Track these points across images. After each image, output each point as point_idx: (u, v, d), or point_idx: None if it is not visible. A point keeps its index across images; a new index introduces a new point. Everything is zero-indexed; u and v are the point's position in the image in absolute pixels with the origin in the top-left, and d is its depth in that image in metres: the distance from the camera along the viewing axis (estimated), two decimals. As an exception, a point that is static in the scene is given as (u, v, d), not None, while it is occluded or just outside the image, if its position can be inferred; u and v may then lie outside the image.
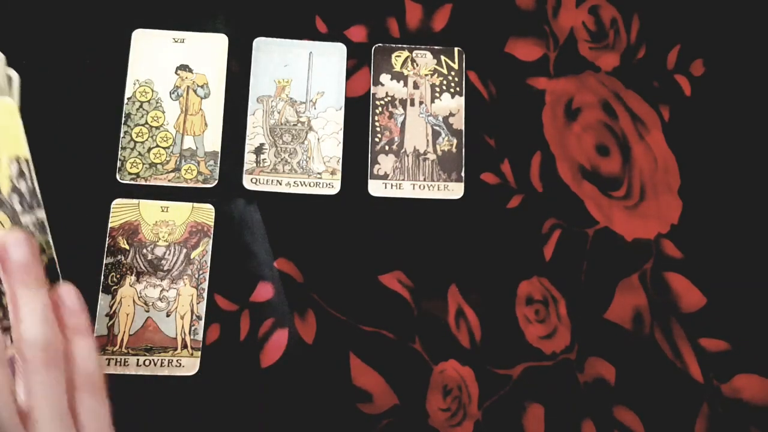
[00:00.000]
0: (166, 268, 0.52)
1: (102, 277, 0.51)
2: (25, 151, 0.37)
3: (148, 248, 0.52)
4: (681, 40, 0.61)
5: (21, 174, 0.37)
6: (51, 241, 0.40)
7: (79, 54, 0.55)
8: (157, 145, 0.55)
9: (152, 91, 0.56)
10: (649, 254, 0.57)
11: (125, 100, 0.55)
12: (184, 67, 0.56)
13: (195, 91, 0.56)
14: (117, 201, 0.53)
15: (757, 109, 0.61)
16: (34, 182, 0.37)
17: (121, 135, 0.54)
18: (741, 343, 0.55)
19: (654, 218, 0.57)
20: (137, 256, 0.52)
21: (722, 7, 0.63)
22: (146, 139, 0.55)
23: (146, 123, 0.55)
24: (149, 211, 0.53)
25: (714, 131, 0.60)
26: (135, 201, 0.53)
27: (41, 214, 0.38)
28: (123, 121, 0.55)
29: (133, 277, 0.52)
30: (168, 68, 0.56)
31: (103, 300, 0.51)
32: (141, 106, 0.55)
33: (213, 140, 0.55)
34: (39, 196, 0.38)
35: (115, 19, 0.56)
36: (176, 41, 0.57)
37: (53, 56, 0.55)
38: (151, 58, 0.56)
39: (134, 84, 0.55)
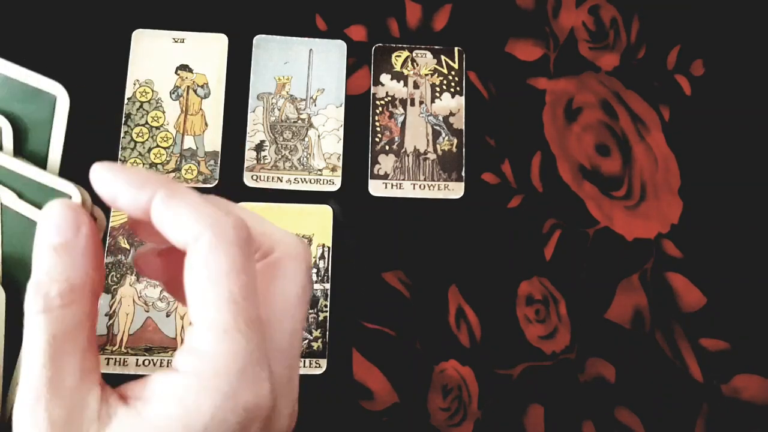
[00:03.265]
0: (166, 267, 0.52)
1: (102, 277, 0.51)
2: None
3: (148, 248, 0.52)
4: (681, 40, 0.62)
5: None
6: None
7: (79, 54, 0.55)
8: (158, 145, 0.55)
9: (152, 91, 0.56)
10: (649, 254, 0.57)
11: (125, 101, 0.55)
12: (184, 67, 0.56)
13: (195, 91, 0.56)
14: (117, 200, 0.53)
15: (757, 109, 0.61)
16: None
17: (122, 135, 0.54)
18: (741, 343, 0.55)
19: (654, 218, 0.57)
20: (137, 255, 0.52)
21: (722, 7, 0.63)
22: (146, 140, 0.54)
23: (146, 123, 0.55)
24: (149, 210, 0.53)
25: (714, 131, 0.60)
26: (135, 200, 0.53)
27: None
28: (123, 122, 0.55)
29: (133, 277, 0.52)
30: (168, 68, 0.56)
31: (102, 299, 0.51)
32: (141, 107, 0.55)
33: (213, 140, 0.55)
34: None
35: (115, 19, 0.56)
36: (176, 41, 0.57)
37: (53, 56, 0.55)
38: (151, 58, 0.56)
39: (134, 84, 0.55)
